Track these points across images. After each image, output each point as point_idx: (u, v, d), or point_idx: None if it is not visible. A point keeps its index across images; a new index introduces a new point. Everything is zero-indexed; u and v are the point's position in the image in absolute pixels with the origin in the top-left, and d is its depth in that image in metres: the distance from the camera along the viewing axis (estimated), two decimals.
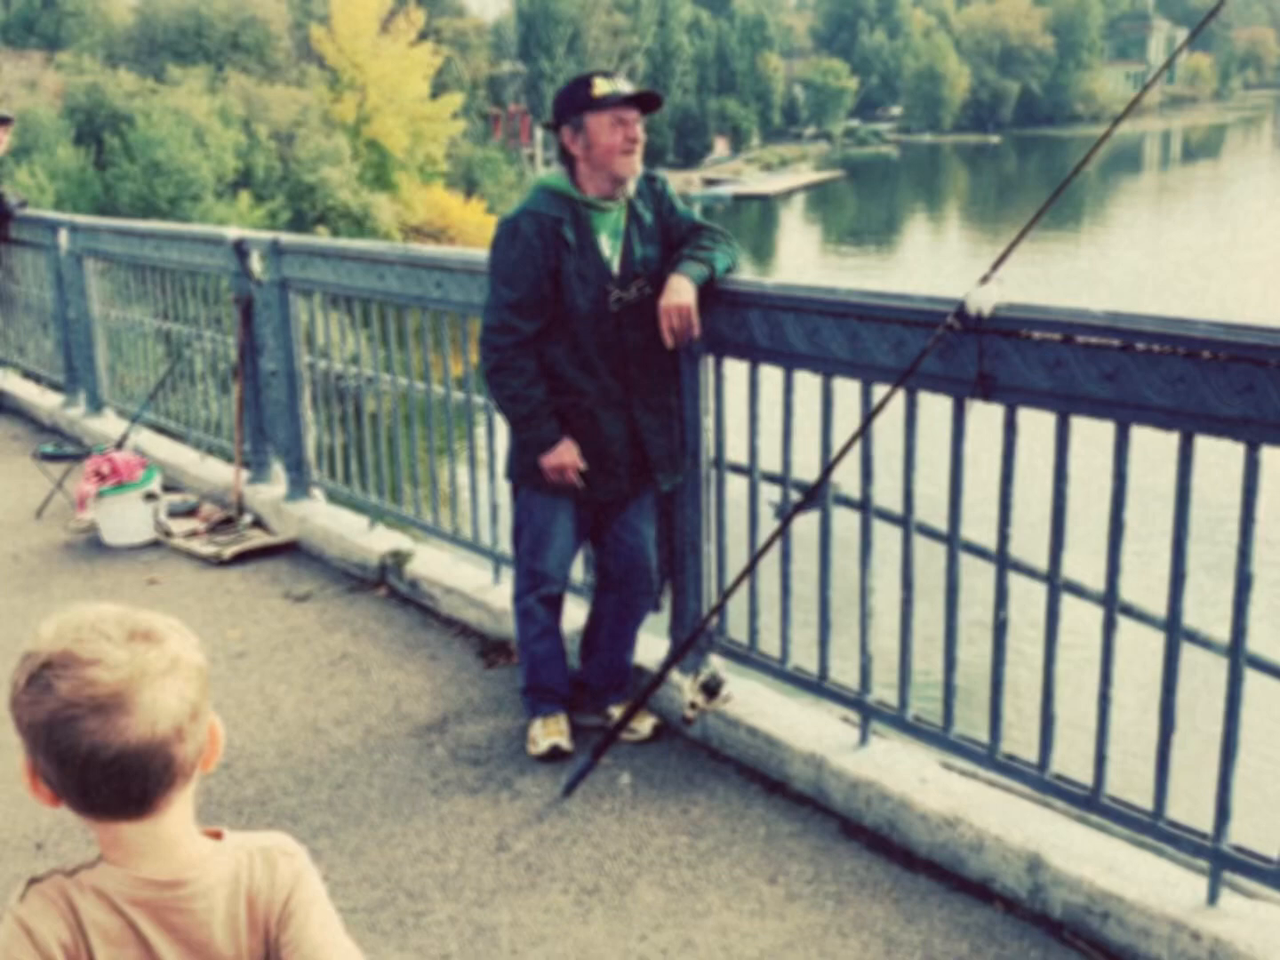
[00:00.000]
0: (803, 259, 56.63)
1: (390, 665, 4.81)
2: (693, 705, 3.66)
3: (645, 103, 3.76)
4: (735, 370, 3.94)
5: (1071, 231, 57.64)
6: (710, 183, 75.96)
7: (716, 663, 4.05)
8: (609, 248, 3.82)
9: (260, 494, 6.43)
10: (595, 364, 3.83)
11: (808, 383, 3.71)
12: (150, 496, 6.25)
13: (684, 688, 3.80)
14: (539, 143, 69.36)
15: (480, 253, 4.88)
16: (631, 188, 3.86)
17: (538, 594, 4.05)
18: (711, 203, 72.25)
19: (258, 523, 6.35)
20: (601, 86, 3.74)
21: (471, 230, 55.58)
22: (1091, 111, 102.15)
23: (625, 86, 3.77)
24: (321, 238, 6.06)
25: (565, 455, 3.82)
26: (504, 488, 4.92)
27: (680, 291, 3.69)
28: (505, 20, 74.77)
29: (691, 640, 3.71)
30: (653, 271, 3.85)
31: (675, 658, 3.68)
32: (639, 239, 3.85)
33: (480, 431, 5.03)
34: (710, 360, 3.95)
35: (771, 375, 3.83)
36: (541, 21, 68.71)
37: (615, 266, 3.81)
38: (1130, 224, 59.34)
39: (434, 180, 56.96)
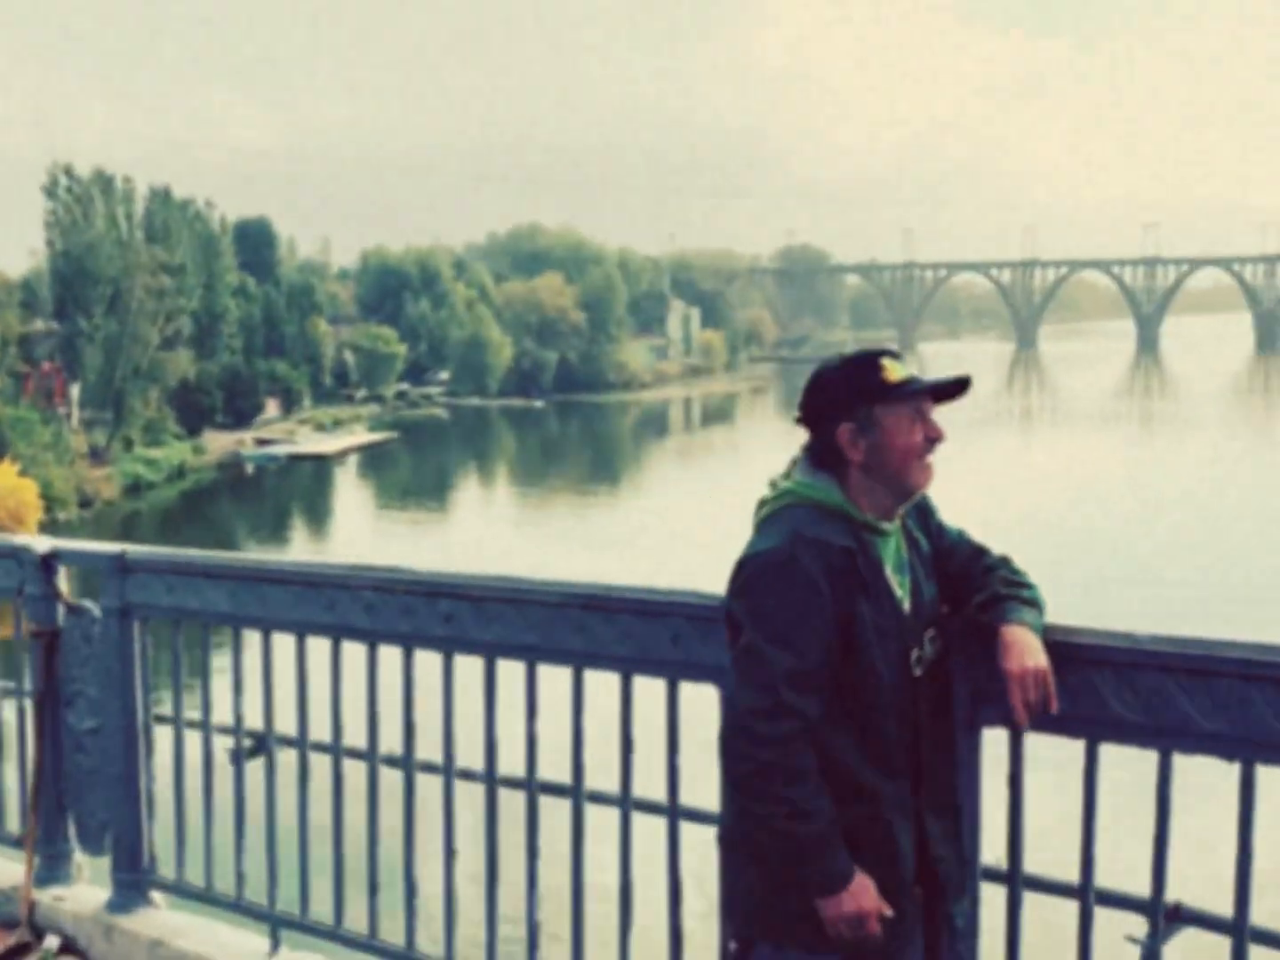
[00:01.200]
0: (360, 519, 55.58)
1: None
2: None
3: (946, 391, 2.76)
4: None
5: (610, 492, 60.07)
6: (263, 442, 73.97)
7: None
8: (899, 586, 2.73)
9: (66, 902, 4.56)
10: (894, 754, 2.68)
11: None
12: None
13: None
14: (74, 402, 65.23)
15: (520, 579, 3.65)
16: None
17: None
18: (265, 462, 70.14)
19: (69, 948, 4.46)
20: (895, 370, 2.72)
21: (3, 495, 50.71)
22: (623, 379, 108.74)
23: (915, 369, 2.77)
24: (200, 552, 4.48)
25: (865, 899, 2.60)
26: (556, 895, 3.59)
27: (1033, 650, 2.65)
28: (37, 276, 70.73)
29: None
30: (938, 617, 2.80)
31: None
32: (923, 573, 2.79)
33: (512, 810, 3.64)
34: (1003, 735, 2.89)
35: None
36: (78, 279, 65.40)
37: (907, 612, 2.73)
38: (662, 484, 62.69)
39: None
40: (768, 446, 75.97)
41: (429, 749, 3.85)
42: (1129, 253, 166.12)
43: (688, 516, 49.02)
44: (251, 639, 4.19)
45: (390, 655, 3.91)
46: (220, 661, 4.27)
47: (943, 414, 2.79)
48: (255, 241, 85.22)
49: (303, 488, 66.75)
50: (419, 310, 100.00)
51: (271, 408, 79.58)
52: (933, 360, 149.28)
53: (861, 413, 2.71)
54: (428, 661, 3.85)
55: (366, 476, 69.90)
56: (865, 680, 2.65)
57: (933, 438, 2.74)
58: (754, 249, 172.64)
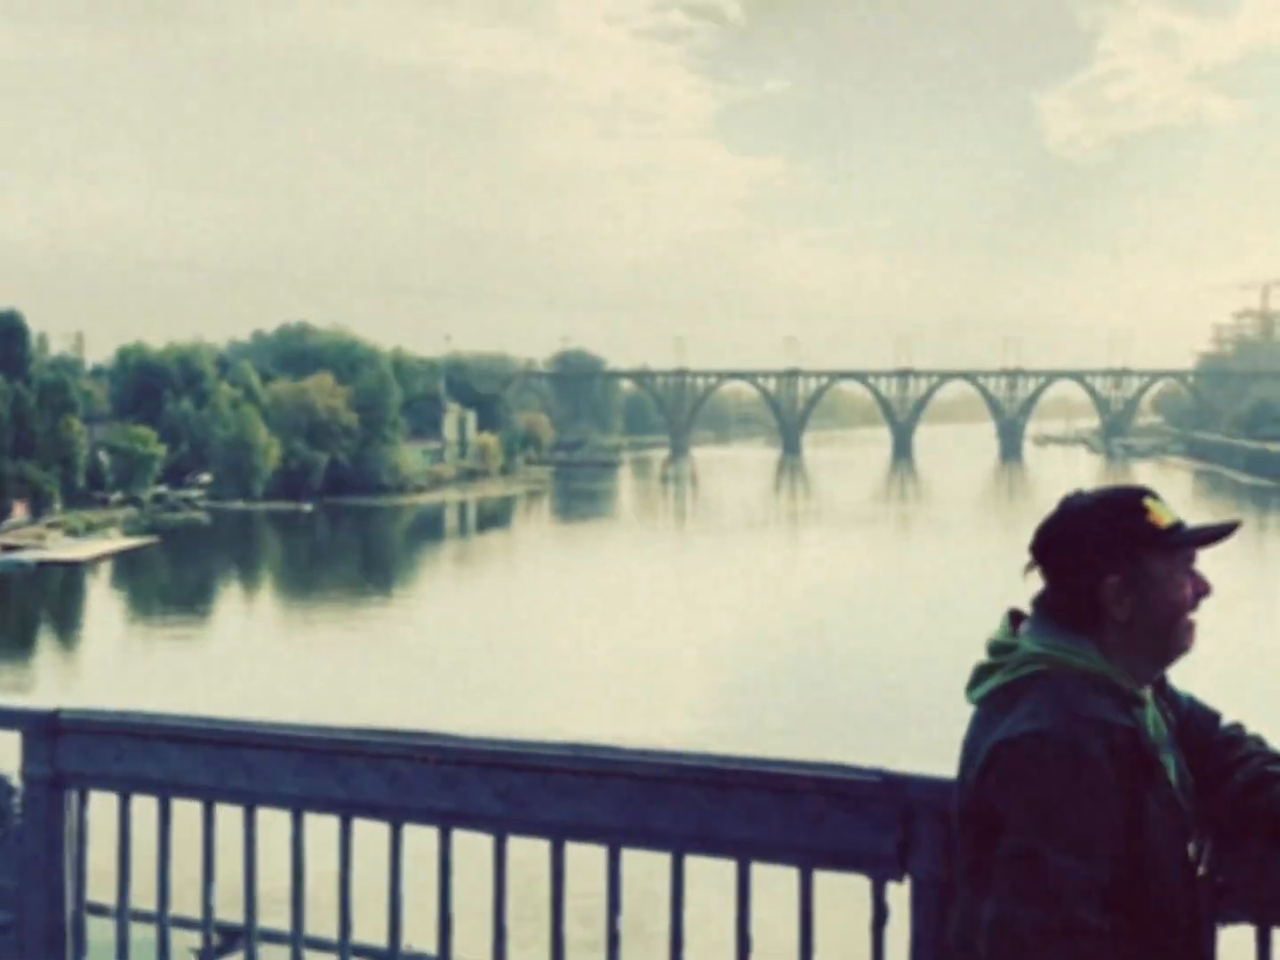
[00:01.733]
0: (112, 632, 52.45)
1: None
2: None
3: (1212, 536, 2.38)
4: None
5: (382, 600, 58.43)
6: (9, 548, 69.58)
7: None
8: (1172, 770, 2.31)
9: None
10: None
11: None
12: None
13: None
14: None
15: (602, 745, 3.10)
16: None
17: None
18: (11, 569, 65.86)
19: None
20: (1163, 513, 2.33)
21: None
22: (397, 482, 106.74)
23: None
24: (165, 711, 3.70)
25: None
26: None
27: None
28: None
29: None
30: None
31: None
32: (1179, 750, 2.38)
33: None
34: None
35: None
36: None
37: (1180, 797, 2.31)
38: (438, 592, 61.47)
39: None
40: (544, 550, 75.85)
41: (467, 946, 3.24)
42: (884, 365, 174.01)
43: (463, 625, 48.15)
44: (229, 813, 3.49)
45: (417, 836, 3.29)
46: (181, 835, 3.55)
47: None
48: (4, 336, 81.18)
49: (51, 597, 62.76)
50: (180, 409, 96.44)
51: (19, 511, 75.44)
52: (704, 464, 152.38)
53: (1129, 564, 2.30)
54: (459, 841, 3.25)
55: (121, 585, 66.15)
56: (1152, 885, 2.22)
57: (1201, 591, 2.35)
58: (529, 353, 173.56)
